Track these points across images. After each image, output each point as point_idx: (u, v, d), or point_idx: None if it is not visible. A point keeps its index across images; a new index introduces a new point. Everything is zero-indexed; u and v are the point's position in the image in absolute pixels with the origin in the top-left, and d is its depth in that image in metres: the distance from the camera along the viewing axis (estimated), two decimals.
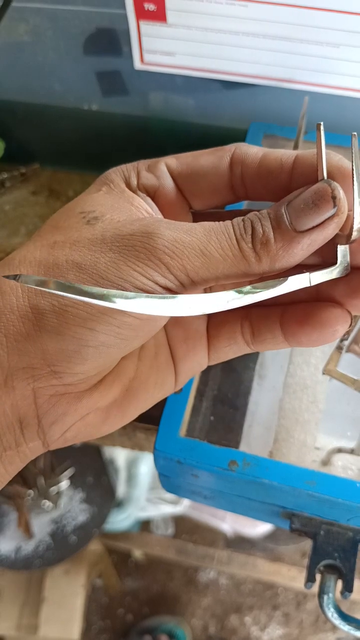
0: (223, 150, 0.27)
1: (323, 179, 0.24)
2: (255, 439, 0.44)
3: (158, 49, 0.49)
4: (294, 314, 0.27)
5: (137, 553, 1.37)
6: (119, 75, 0.51)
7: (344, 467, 0.43)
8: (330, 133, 0.50)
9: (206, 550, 1.23)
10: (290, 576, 1.21)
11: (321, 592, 0.40)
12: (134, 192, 0.27)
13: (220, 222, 0.24)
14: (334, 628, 1.32)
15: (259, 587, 1.34)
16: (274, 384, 0.46)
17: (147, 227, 0.23)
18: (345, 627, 0.40)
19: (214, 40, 0.47)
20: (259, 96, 0.51)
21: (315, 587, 0.40)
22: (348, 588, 0.39)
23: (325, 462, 0.44)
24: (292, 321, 0.27)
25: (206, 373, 0.45)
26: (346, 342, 0.39)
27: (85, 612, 1.32)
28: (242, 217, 0.24)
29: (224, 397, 0.45)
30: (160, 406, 0.40)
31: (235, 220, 0.24)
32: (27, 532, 1.12)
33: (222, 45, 0.48)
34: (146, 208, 0.26)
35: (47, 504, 1.12)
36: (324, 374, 0.40)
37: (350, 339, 0.40)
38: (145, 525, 1.34)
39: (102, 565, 1.35)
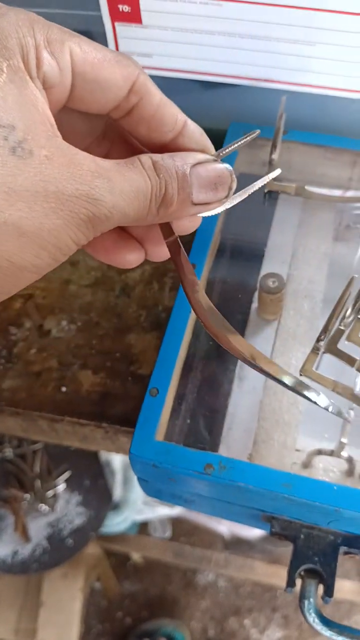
0: (128, 69, 0.25)
1: (217, 159, 0.27)
2: (234, 442, 0.43)
3: (135, 50, 0.48)
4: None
5: (136, 556, 1.36)
6: None
7: (325, 469, 0.43)
8: (311, 132, 0.50)
9: (203, 552, 1.22)
10: None
11: (302, 597, 0.39)
12: (32, 80, 0.23)
13: (145, 178, 0.24)
14: None
15: (257, 590, 1.34)
16: (254, 385, 0.45)
17: (92, 189, 0.22)
18: (327, 633, 0.40)
19: (190, 40, 0.47)
20: (239, 96, 0.51)
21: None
22: (329, 593, 0.38)
23: (306, 464, 0.43)
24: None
25: (186, 376, 0.45)
26: (322, 343, 0.39)
27: (84, 615, 1.31)
28: (156, 173, 0.25)
29: (204, 399, 0.45)
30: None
31: (154, 179, 0.24)
32: (24, 535, 1.12)
33: (199, 45, 0.47)
34: (48, 117, 0.23)
35: (44, 507, 1.12)
36: (300, 375, 0.39)
37: (326, 340, 0.39)
38: (143, 527, 1.33)
39: (100, 569, 1.35)
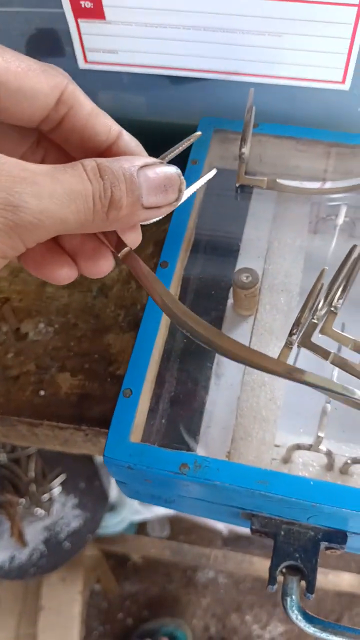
0: (55, 78, 0.25)
1: (164, 162, 0.27)
2: (212, 440, 0.43)
3: (100, 47, 0.48)
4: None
5: (135, 556, 1.36)
6: None
7: (305, 464, 0.43)
8: (282, 125, 0.50)
9: (202, 550, 1.22)
10: None
11: (284, 595, 0.39)
12: None
13: (84, 180, 0.23)
14: (337, 623, 1.31)
15: (258, 585, 1.33)
16: (231, 382, 0.45)
17: (12, 196, 0.21)
18: (311, 630, 0.39)
19: (156, 35, 0.46)
20: (208, 90, 0.51)
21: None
22: (310, 589, 0.38)
23: (286, 459, 0.43)
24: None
25: (162, 375, 0.44)
26: (295, 337, 0.38)
27: (85, 617, 1.31)
28: (100, 175, 0.24)
29: (181, 398, 0.44)
30: None
31: (96, 182, 0.23)
32: (21, 540, 1.12)
33: (165, 40, 0.47)
34: None
35: (40, 511, 1.12)
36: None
37: (299, 333, 0.39)
38: (141, 527, 1.33)
39: (99, 570, 1.34)
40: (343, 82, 0.47)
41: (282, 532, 0.39)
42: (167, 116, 0.53)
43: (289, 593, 0.39)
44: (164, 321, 0.43)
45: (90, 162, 0.24)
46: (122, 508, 1.21)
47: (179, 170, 0.27)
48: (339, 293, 0.40)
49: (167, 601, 1.36)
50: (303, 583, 0.39)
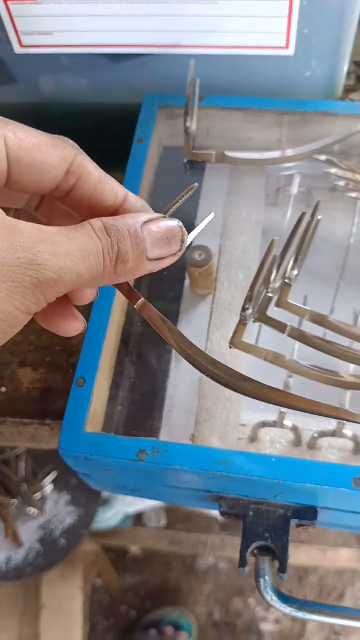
0: (64, 151, 0.26)
1: (167, 217, 0.28)
2: (175, 424, 0.42)
3: (34, 29, 0.46)
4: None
5: (134, 548, 1.35)
6: (1, 63, 0.49)
7: (272, 441, 0.42)
8: (229, 96, 0.48)
9: (199, 537, 1.21)
10: None
11: (257, 576, 0.38)
12: None
13: (94, 238, 0.25)
14: (339, 599, 1.31)
15: None
16: None
17: (35, 255, 0.23)
18: (287, 610, 0.38)
19: (88, 12, 0.45)
20: (150, 66, 0.49)
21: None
22: (282, 569, 0.37)
23: (253, 438, 0.42)
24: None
25: (122, 362, 0.43)
26: (249, 313, 0.37)
27: (88, 613, 1.30)
28: (107, 233, 0.26)
29: (142, 384, 0.43)
30: None
31: (104, 239, 0.25)
32: (16, 541, 1.11)
33: (98, 16, 0.45)
34: None
35: (33, 510, 1.11)
36: (230, 347, 0.37)
37: (253, 309, 0.37)
38: (138, 519, 1.32)
39: (99, 565, 1.34)
40: (287, 47, 0.45)
41: (251, 513, 0.38)
42: (111, 97, 0.52)
43: (261, 574, 0.38)
44: (118, 307, 0.42)
45: (97, 222, 0.26)
46: (115, 502, 1.20)
47: (180, 223, 0.29)
48: (291, 264, 0.39)
49: (169, 590, 1.35)
50: (276, 563, 0.38)
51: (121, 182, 0.46)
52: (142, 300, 0.31)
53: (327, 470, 0.34)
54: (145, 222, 0.27)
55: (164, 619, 1.29)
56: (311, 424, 0.42)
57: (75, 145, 0.27)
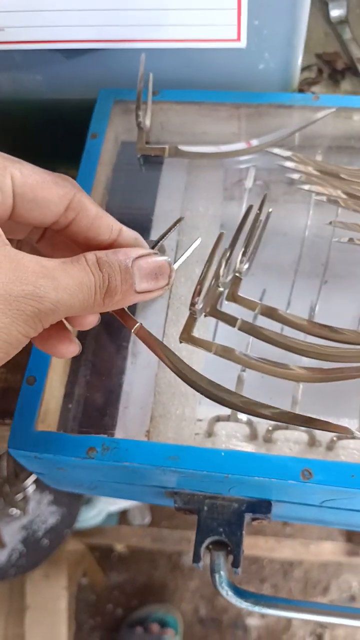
0: (64, 189, 0.29)
1: (157, 252, 0.30)
2: (131, 420, 0.41)
3: None
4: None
5: (119, 546, 1.35)
6: None
7: (229, 436, 0.41)
8: (183, 90, 0.48)
9: (182, 534, 1.21)
10: (269, 547, 1.20)
11: (212, 571, 0.38)
12: None
13: (88, 273, 0.27)
14: (325, 592, 1.31)
15: (244, 563, 1.33)
16: (148, 361, 0.43)
17: (37, 289, 0.25)
18: (243, 605, 0.38)
19: (37, 7, 0.44)
20: (104, 61, 0.49)
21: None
22: (236, 563, 0.37)
23: (210, 433, 0.41)
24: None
25: (77, 359, 0.43)
26: (198, 307, 0.37)
27: (75, 612, 1.30)
28: (100, 268, 0.28)
29: (98, 381, 0.43)
30: None
31: (97, 274, 0.28)
32: None
33: (49, 11, 0.45)
34: None
35: (15, 511, 1.11)
36: (180, 342, 0.37)
37: (202, 302, 0.37)
38: (123, 517, 1.32)
39: (85, 564, 1.34)
40: (238, 39, 0.45)
41: (206, 508, 0.38)
42: (67, 93, 0.51)
43: (216, 569, 0.37)
44: None
45: (91, 257, 0.28)
46: (97, 500, 1.20)
47: (169, 259, 0.31)
48: (239, 257, 0.38)
49: (155, 588, 1.35)
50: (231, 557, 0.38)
51: (75, 177, 0.46)
52: (138, 324, 0.33)
53: (275, 463, 0.34)
54: (136, 258, 0.29)
55: (150, 616, 1.29)
56: None
57: (75, 183, 0.30)
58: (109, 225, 0.30)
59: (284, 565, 1.33)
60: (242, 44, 0.46)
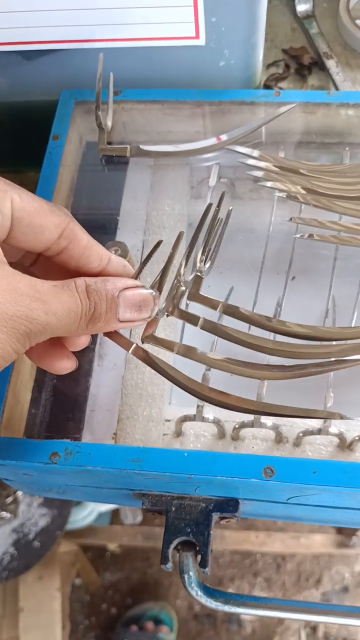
0: (59, 217, 0.30)
1: (144, 286, 0.32)
2: (98, 423, 0.41)
3: None
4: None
5: (112, 546, 1.35)
6: None
7: (197, 435, 0.41)
8: (145, 89, 0.48)
9: None
10: (260, 542, 1.20)
11: (181, 572, 0.38)
12: None
13: (76, 300, 0.29)
14: (317, 584, 1.32)
15: (237, 558, 1.34)
16: (115, 362, 0.43)
17: (31, 311, 0.27)
18: (213, 605, 0.38)
19: None
20: (65, 62, 0.48)
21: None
22: (203, 564, 0.37)
23: (178, 433, 0.41)
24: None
25: None
26: (160, 307, 0.37)
27: (69, 613, 1.30)
28: (87, 295, 0.29)
29: (65, 384, 0.43)
30: None
31: (84, 302, 0.29)
32: None
33: (6, 12, 0.44)
34: None
35: (5, 514, 1.10)
36: (143, 342, 0.37)
37: (161, 304, 0.37)
38: (115, 517, 1.32)
39: (78, 564, 1.34)
40: (197, 36, 0.45)
41: (173, 508, 0.38)
42: (30, 95, 0.51)
43: (185, 570, 0.37)
44: None
45: (81, 284, 0.30)
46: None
47: (155, 293, 0.33)
48: (199, 256, 0.38)
49: (149, 586, 1.35)
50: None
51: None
52: (134, 345, 0.35)
53: (237, 462, 0.34)
54: (123, 289, 0.31)
55: (144, 614, 1.29)
56: (235, 415, 0.41)
57: (69, 213, 0.32)
58: (99, 254, 0.32)
59: (276, 559, 1.33)
60: (201, 41, 0.45)
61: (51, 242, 0.31)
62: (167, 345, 0.37)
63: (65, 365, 0.33)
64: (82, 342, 0.34)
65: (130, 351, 0.35)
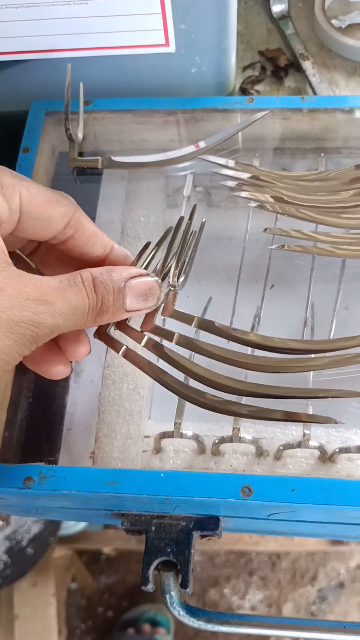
0: (66, 207, 0.30)
1: (149, 273, 0.32)
2: (75, 443, 0.41)
3: None
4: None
5: (107, 550, 1.35)
6: None
7: (177, 451, 0.41)
8: (116, 98, 0.47)
9: None
10: (254, 542, 1.20)
11: (163, 592, 0.37)
12: None
13: (84, 297, 0.29)
14: (313, 581, 1.32)
15: (232, 557, 1.34)
16: (92, 379, 0.43)
17: (37, 315, 0.27)
18: (196, 624, 0.38)
19: None
20: (35, 73, 0.47)
21: None
22: (184, 584, 0.36)
23: (158, 449, 0.41)
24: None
25: (19, 382, 0.42)
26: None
27: (66, 618, 1.30)
28: (95, 290, 0.29)
29: (40, 403, 0.42)
30: None
31: (92, 297, 0.29)
32: None
33: None
34: (2, 248, 0.28)
35: None
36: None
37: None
38: None
39: (74, 569, 1.33)
40: (167, 44, 0.44)
41: (153, 528, 0.37)
42: (1, 107, 0.50)
43: (167, 590, 0.37)
44: None
45: (87, 277, 0.29)
46: None
47: (159, 281, 0.33)
48: (172, 270, 0.37)
49: None
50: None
51: None
52: (125, 347, 0.35)
53: (215, 482, 0.34)
54: (129, 279, 0.31)
55: (141, 617, 1.29)
56: (215, 430, 0.41)
57: (74, 202, 0.32)
58: (103, 243, 0.33)
59: (271, 557, 1.33)
60: (172, 48, 0.45)
61: (58, 232, 0.31)
62: (138, 361, 0.36)
63: (61, 370, 0.33)
64: (83, 352, 0.34)
65: (120, 353, 0.35)
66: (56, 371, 0.33)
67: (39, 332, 0.27)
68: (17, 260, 0.34)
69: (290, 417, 0.34)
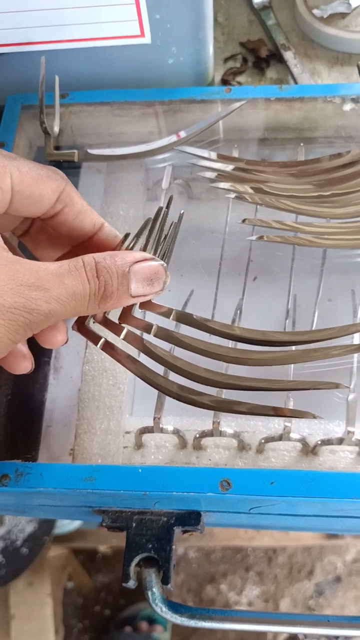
0: (57, 182, 0.30)
1: (154, 257, 0.31)
2: (54, 440, 0.40)
3: None
4: None
5: (102, 548, 1.35)
6: None
7: (158, 446, 0.40)
8: (92, 91, 0.46)
9: None
10: (249, 537, 1.20)
11: (145, 589, 0.37)
12: None
13: (84, 282, 0.28)
14: (310, 575, 1.32)
15: (228, 553, 1.33)
16: (71, 375, 0.42)
17: (29, 301, 0.26)
18: (178, 620, 0.37)
19: None
20: (8, 66, 0.47)
21: None
22: (165, 580, 0.36)
23: (139, 445, 0.40)
24: None
25: None
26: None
27: (62, 617, 1.29)
28: (97, 275, 0.28)
29: (19, 400, 0.41)
30: None
31: (93, 282, 0.28)
32: None
33: None
34: None
35: None
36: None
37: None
38: None
39: (69, 568, 1.33)
40: (142, 35, 0.43)
41: (134, 524, 0.37)
42: None
43: (148, 587, 0.36)
44: None
45: (89, 261, 0.29)
46: None
47: (164, 264, 0.32)
48: None
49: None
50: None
51: None
52: (103, 339, 0.34)
53: (193, 476, 0.33)
54: (133, 264, 0.30)
55: (138, 614, 1.28)
56: (197, 424, 0.40)
57: (64, 176, 0.31)
58: (92, 219, 0.33)
59: (267, 552, 1.33)
60: (147, 39, 0.44)
61: (49, 206, 0.31)
62: (115, 354, 0.36)
63: (23, 365, 0.33)
64: (59, 340, 0.33)
65: (99, 345, 0.34)
66: (19, 367, 0.33)
67: (32, 318, 0.27)
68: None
69: (259, 411, 0.33)
